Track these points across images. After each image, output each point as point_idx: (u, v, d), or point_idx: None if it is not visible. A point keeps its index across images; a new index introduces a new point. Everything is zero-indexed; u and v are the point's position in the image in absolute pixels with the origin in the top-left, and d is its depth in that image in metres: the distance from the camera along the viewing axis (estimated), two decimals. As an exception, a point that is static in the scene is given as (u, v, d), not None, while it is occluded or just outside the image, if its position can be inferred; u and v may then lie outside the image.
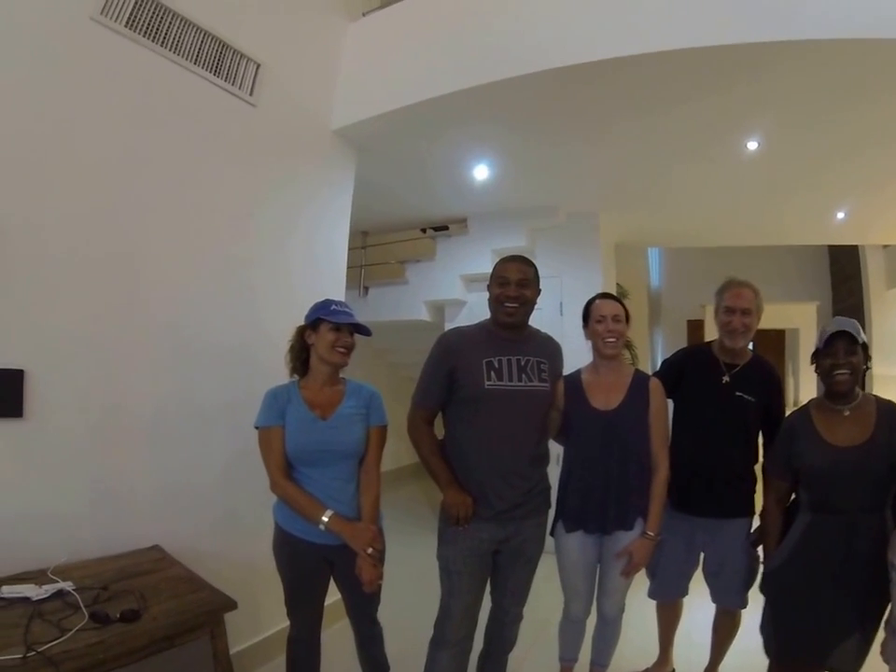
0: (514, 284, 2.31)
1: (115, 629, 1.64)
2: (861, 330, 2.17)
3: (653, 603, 2.92)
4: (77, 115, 2.28)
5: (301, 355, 2.34)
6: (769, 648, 2.35)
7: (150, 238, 2.55)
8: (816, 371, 2.26)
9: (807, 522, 2.21)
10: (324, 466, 2.21)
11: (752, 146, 3.73)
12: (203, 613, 1.89)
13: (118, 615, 1.69)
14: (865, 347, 2.19)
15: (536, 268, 2.42)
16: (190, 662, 1.83)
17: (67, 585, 1.84)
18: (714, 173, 4.34)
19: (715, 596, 2.71)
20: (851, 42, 2.41)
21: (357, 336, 2.33)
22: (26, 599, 1.75)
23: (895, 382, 7.33)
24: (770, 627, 2.34)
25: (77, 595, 1.78)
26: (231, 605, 1.96)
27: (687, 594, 2.83)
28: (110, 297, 2.39)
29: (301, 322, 2.34)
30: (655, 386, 2.49)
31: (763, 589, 2.42)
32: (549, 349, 2.50)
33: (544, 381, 2.38)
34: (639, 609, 2.77)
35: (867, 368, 2.23)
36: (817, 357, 2.24)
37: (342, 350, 2.23)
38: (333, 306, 2.27)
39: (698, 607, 2.91)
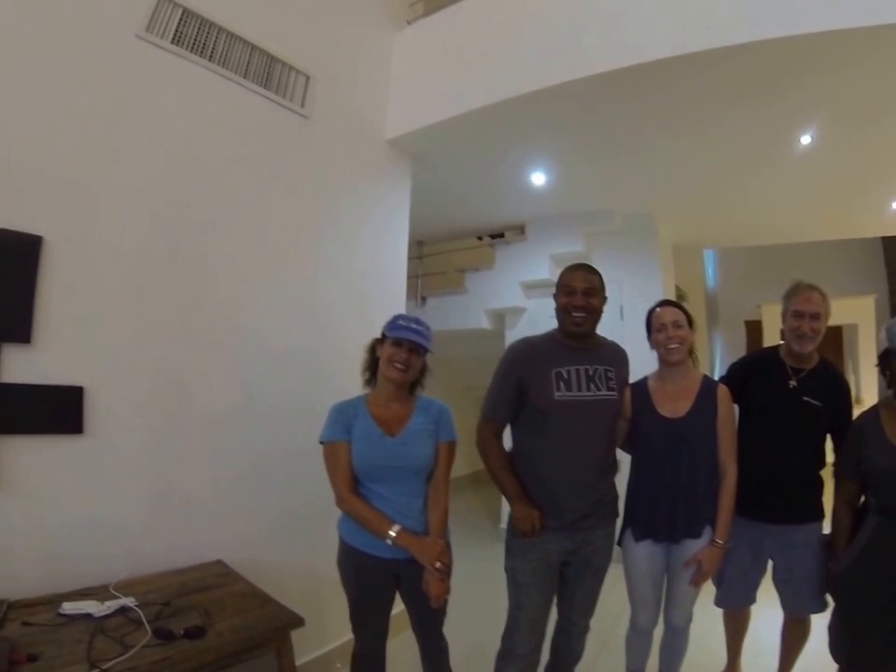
0: (581, 293, 2.28)
1: (180, 645, 1.64)
2: None
3: (720, 612, 2.83)
4: (128, 132, 2.32)
5: (371, 367, 2.33)
6: (837, 652, 2.29)
7: (210, 252, 2.58)
8: (884, 372, 2.20)
9: (875, 525, 2.16)
10: (391, 482, 2.18)
11: (804, 139, 3.64)
12: (269, 630, 1.89)
13: (181, 631, 1.69)
14: None
15: (601, 276, 2.38)
16: (257, 677, 1.82)
17: (130, 601, 1.85)
18: (771, 170, 4.24)
19: (785, 603, 2.62)
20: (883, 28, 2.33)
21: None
22: (88, 616, 1.76)
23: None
24: (838, 631, 2.28)
25: (139, 611, 1.78)
26: (298, 621, 1.95)
27: (755, 601, 2.74)
28: (173, 311, 2.43)
29: (360, 331, 2.37)
30: (723, 393, 2.43)
31: (831, 592, 2.38)
32: (616, 357, 2.47)
33: (612, 389, 2.35)
34: (707, 617, 2.70)
35: None
36: (887, 357, 2.17)
37: (398, 366, 2.19)
38: (400, 321, 2.24)
39: (768, 614, 2.82)
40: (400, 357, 2.19)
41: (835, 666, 2.34)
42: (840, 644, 2.26)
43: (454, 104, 3.23)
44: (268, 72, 2.79)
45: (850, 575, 2.23)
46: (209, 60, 2.56)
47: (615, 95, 3.05)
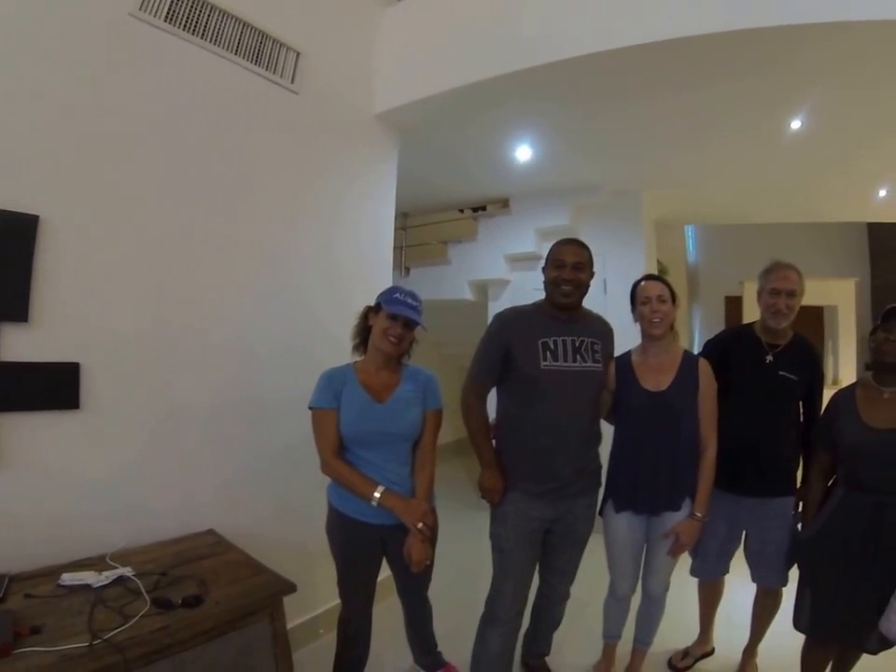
0: (570, 267, 2.34)
1: (178, 614, 1.68)
2: None
3: (694, 582, 2.94)
4: (120, 110, 2.30)
5: (362, 333, 2.38)
6: (800, 621, 2.39)
7: (200, 232, 2.57)
8: (870, 346, 2.27)
9: (840, 496, 2.26)
10: (379, 448, 2.24)
11: (794, 124, 3.66)
12: (264, 597, 1.93)
13: (180, 601, 1.73)
14: None
15: (590, 251, 2.43)
16: (250, 643, 1.87)
17: (127, 571, 1.88)
18: (755, 151, 4.26)
19: (755, 575, 2.71)
20: (887, 23, 2.36)
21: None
22: (87, 587, 1.79)
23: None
24: (802, 600, 2.38)
25: (137, 581, 1.82)
26: (291, 588, 2.00)
27: (728, 572, 2.84)
28: (161, 289, 2.43)
29: (347, 305, 2.40)
30: (704, 367, 2.48)
31: (797, 557, 2.47)
32: (602, 330, 2.53)
33: (598, 361, 2.41)
34: (681, 587, 2.78)
35: None
36: (874, 332, 2.25)
37: (392, 339, 2.24)
38: (396, 294, 2.28)
39: (739, 587, 2.92)
40: (395, 331, 2.23)
41: (803, 638, 2.44)
42: (803, 612, 2.36)
43: (442, 79, 3.21)
44: (259, 49, 2.77)
45: (816, 542, 2.33)
46: (201, 37, 2.53)
47: (604, 75, 3.05)
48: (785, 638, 2.57)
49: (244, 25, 2.70)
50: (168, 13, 2.42)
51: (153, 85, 2.41)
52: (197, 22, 2.52)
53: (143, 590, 1.77)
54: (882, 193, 5.28)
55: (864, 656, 2.35)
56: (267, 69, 2.82)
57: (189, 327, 2.53)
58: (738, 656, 2.90)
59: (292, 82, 2.94)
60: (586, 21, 2.83)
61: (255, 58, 2.76)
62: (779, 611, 2.71)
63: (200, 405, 2.55)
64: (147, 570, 1.93)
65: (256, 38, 2.76)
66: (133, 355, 2.32)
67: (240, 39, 2.69)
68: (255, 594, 1.91)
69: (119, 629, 1.55)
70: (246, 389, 2.72)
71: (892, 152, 4.17)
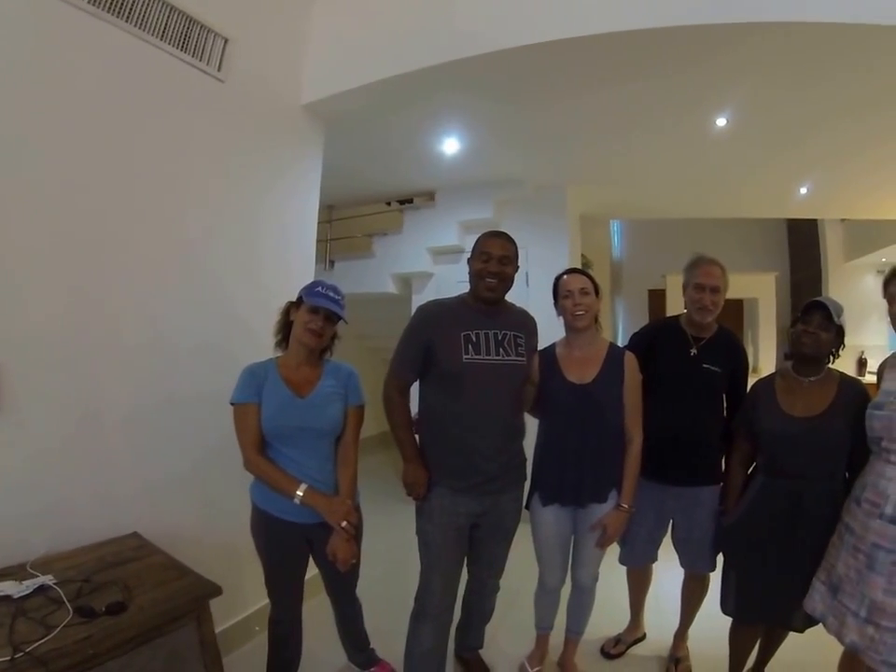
0: (496, 260, 2.34)
1: (102, 623, 1.63)
2: (841, 314, 2.26)
3: (623, 570, 3.01)
4: (37, 95, 2.17)
5: (284, 329, 2.36)
6: (726, 605, 2.49)
7: (117, 223, 2.45)
8: (790, 338, 2.37)
9: (761, 483, 2.36)
10: (301, 444, 2.22)
11: (719, 121, 3.78)
12: (188, 601, 1.88)
13: (103, 608, 1.67)
14: (842, 332, 2.29)
15: (516, 245, 2.44)
16: (178, 648, 1.83)
17: (48, 580, 1.81)
18: (681, 147, 4.38)
19: (683, 561, 2.80)
20: (810, 25, 2.46)
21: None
22: (7, 598, 1.71)
23: (850, 352, 7.64)
24: (727, 584, 2.48)
25: (59, 590, 1.75)
26: (217, 590, 1.95)
27: (656, 559, 2.92)
28: (79, 287, 2.31)
29: (268, 300, 2.38)
30: (630, 360, 2.51)
31: (721, 544, 2.56)
32: (525, 323, 2.54)
33: (521, 355, 2.42)
34: (610, 576, 2.85)
35: (837, 353, 2.34)
36: (793, 324, 2.35)
37: (313, 332, 2.23)
38: (318, 288, 2.26)
39: (667, 573, 3.02)
40: (316, 324, 2.22)
41: (730, 620, 2.54)
42: (728, 596, 2.46)
43: (371, 69, 3.17)
44: (186, 34, 2.66)
45: (738, 529, 2.42)
46: (126, 21, 2.41)
47: (531, 69, 3.07)
48: (714, 621, 2.65)
49: (171, 9, 2.58)
50: (93, -6, 2.29)
51: (72, 70, 2.28)
52: (122, 5, 2.39)
53: (65, 599, 1.71)
54: (803, 191, 5.52)
55: (791, 634, 2.47)
56: (193, 56, 2.71)
57: (107, 324, 2.41)
58: (669, 640, 2.99)
59: (219, 70, 2.84)
60: (516, 13, 2.83)
61: (181, 44, 2.65)
62: (708, 595, 2.80)
63: (120, 404, 2.45)
64: (70, 577, 1.86)
65: (183, 23, 2.65)
66: (50, 354, 2.21)
67: (166, 24, 2.57)
68: (179, 597, 1.86)
69: (41, 641, 1.49)
70: (167, 387, 2.63)
71: (813, 151, 4.36)
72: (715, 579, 2.63)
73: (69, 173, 2.28)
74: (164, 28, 2.58)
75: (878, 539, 1.86)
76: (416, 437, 2.46)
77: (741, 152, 4.43)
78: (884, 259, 8.15)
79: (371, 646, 2.67)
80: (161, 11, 2.55)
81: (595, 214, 6.59)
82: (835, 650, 2.20)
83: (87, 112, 2.33)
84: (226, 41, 2.86)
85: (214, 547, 2.67)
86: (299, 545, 2.31)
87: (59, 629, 1.56)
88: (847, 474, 2.21)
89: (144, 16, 2.49)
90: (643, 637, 3.16)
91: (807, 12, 2.41)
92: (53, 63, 2.21)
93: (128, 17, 2.43)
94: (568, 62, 2.98)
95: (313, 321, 2.22)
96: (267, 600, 2.44)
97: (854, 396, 2.21)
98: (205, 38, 2.76)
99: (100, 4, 2.32)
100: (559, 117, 3.80)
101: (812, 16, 2.41)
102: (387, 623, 2.69)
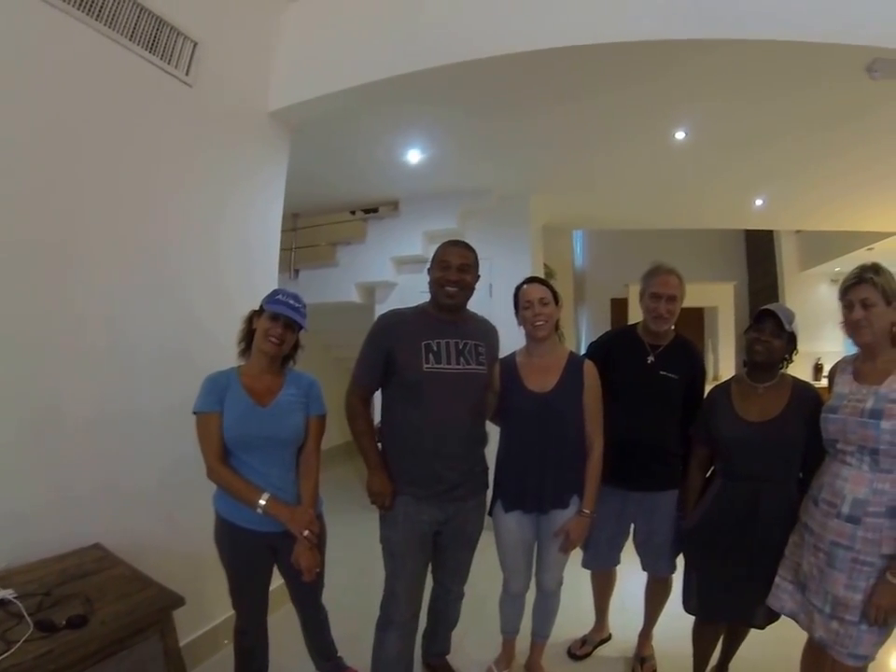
0: (456, 268, 2.37)
1: (63, 637, 1.60)
2: (793, 322, 2.34)
3: (588, 572, 3.05)
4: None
5: (247, 338, 2.35)
6: (689, 605, 2.55)
7: (78, 224, 2.40)
8: (745, 345, 2.44)
9: (719, 486, 2.43)
10: (263, 453, 2.22)
11: (678, 134, 3.88)
12: (151, 612, 1.86)
13: (64, 622, 1.64)
14: (794, 339, 2.36)
15: (476, 253, 2.47)
16: (142, 661, 1.80)
17: (8, 594, 1.76)
18: (642, 160, 4.47)
19: (645, 564, 2.86)
20: (762, 42, 2.55)
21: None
22: (-34, 613, 1.67)
23: (806, 358, 7.92)
24: (689, 584, 2.54)
25: (19, 604, 1.72)
26: (180, 601, 1.93)
27: (619, 563, 2.97)
28: (40, 289, 2.26)
29: (231, 308, 2.37)
30: (589, 368, 2.54)
31: (682, 546, 2.63)
32: (486, 332, 2.57)
33: (482, 364, 2.44)
34: (575, 579, 2.89)
35: (790, 359, 2.41)
36: (747, 332, 2.41)
37: (273, 340, 2.23)
38: (279, 296, 2.27)
39: (630, 575, 3.06)
40: (276, 331, 2.23)
41: (693, 619, 2.61)
42: (690, 596, 2.52)
43: (338, 78, 3.18)
44: (155, 35, 2.62)
45: (697, 531, 2.48)
46: (96, 19, 2.36)
47: (496, 80, 3.12)
48: (677, 620, 2.73)
49: (141, 9, 2.54)
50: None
51: (38, 66, 2.22)
52: (93, 3, 2.35)
53: (25, 613, 1.67)
54: (759, 203, 5.69)
55: (754, 631, 2.54)
56: (162, 58, 2.67)
57: (68, 326, 2.36)
58: (635, 640, 3.05)
59: (187, 74, 2.81)
60: (481, 26, 2.87)
61: (150, 45, 2.61)
62: (671, 595, 2.86)
63: (79, 412, 2.39)
64: (30, 591, 1.82)
65: (153, 24, 2.61)
66: (6, 357, 2.14)
67: (136, 24, 2.54)
68: (142, 609, 1.84)
69: (0, 657, 1.46)
70: (127, 394, 2.58)
71: (766, 164, 4.50)
72: (677, 579, 2.68)
73: (31, 172, 2.23)
74: (134, 28, 2.54)
75: (836, 537, 1.94)
76: (379, 445, 2.47)
77: (699, 165, 4.55)
78: (837, 269, 8.42)
79: (339, 654, 2.66)
80: (131, 11, 2.51)
81: (558, 224, 6.67)
82: (797, 646, 2.28)
83: (49, 110, 2.28)
84: (195, 45, 2.83)
85: (177, 558, 2.63)
86: (263, 554, 2.30)
87: (19, 644, 1.53)
88: (801, 475, 2.29)
89: (114, 15, 2.45)
90: (609, 638, 3.21)
91: (759, 30, 2.50)
92: (17, 58, 2.16)
93: (98, 15, 2.38)
94: (533, 74, 3.04)
95: (272, 329, 2.23)
96: (232, 611, 2.43)
97: (807, 400, 2.29)
98: (175, 41, 2.73)
99: (70, 0, 2.28)
100: (524, 128, 3.85)
101: (763, 34, 2.51)
102: (354, 631, 2.68)
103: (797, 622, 2.15)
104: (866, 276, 1.96)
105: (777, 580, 2.23)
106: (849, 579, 1.90)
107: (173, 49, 2.73)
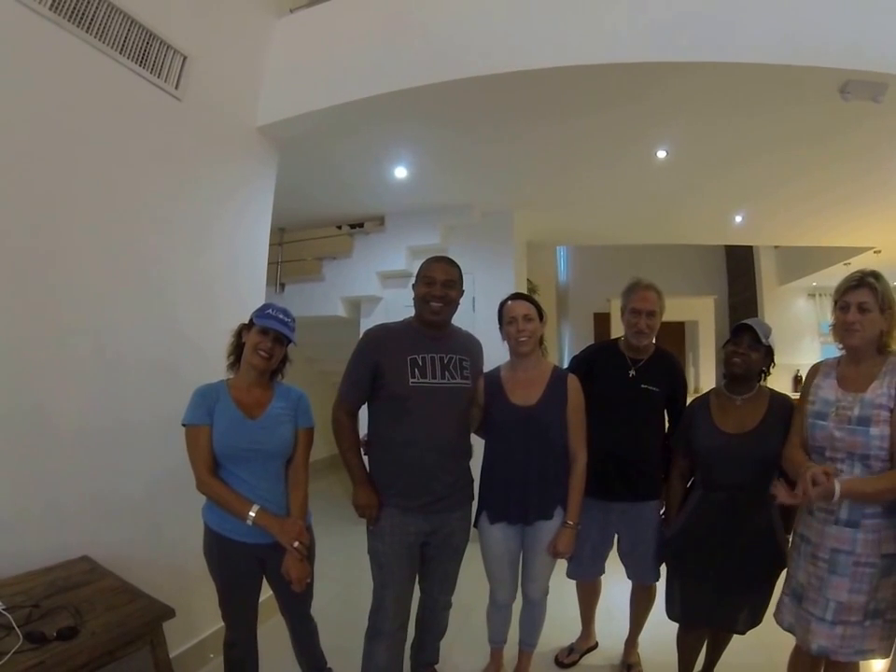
0: (440, 284, 2.40)
1: (53, 649, 1.59)
2: (770, 335, 2.40)
3: (573, 582, 3.08)
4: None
5: (236, 351, 2.36)
6: (672, 611, 2.59)
7: (66, 237, 2.40)
8: (723, 359, 2.50)
9: (699, 496, 2.47)
10: (252, 465, 2.22)
11: (660, 153, 3.97)
12: (141, 624, 1.86)
13: (54, 633, 1.64)
14: (771, 352, 2.43)
15: (460, 269, 2.50)
16: (132, 673, 1.80)
17: None
18: (622, 177, 4.55)
19: (630, 573, 2.90)
20: (739, 65, 2.66)
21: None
22: (-44, 626, 1.65)
23: (785, 370, 8.02)
24: (671, 592, 2.58)
25: (8, 616, 1.70)
26: (170, 613, 1.93)
27: (604, 572, 3.00)
28: (28, 300, 2.25)
29: (218, 321, 2.38)
30: (573, 382, 2.58)
31: (663, 555, 2.67)
32: (470, 347, 2.60)
33: (466, 378, 2.48)
34: (561, 588, 2.91)
35: (767, 371, 2.48)
36: (725, 345, 2.47)
37: (262, 354, 2.25)
38: (268, 310, 2.28)
39: (616, 584, 3.08)
40: (266, 345, 2.25)
41: (677, 626, 2.64)
42: (674, 603, 2.56)
43: (326, 95, 3.22)
44: (145, 49, 2.64)
45: (679, 539, 2.52)
46: (87, 31, 2.38)
47: (483, 99, 3.17)
48: (662, 627, 2.76)
49: (131, 22, 2.56)
50: (54, 1, 2.26)
51: (27, 77, 2.23)
52: (84, 14, 2.36)
53: (14, 624, 1.66)
54: (738, 219, 5.79)
55: (738, 637, 2.58)
56: (152, 72, 2.69)
57: (56, 338, 2.35)
58: (621, 648, 3.09)
59: (176, 88, 2.83)
60: (466, 46, 2.94)
61: (140, 59, 2.63)
62: (656, 602, 2.89)
63: (66, 423, 2.38)
64: (19, 603, 1.80)
65: (143, 38, 2.63)
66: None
67: (126, 37, 2.55)
68: (132, 621, 1.84)
69: (-10, 668, 1.45)
70: (114, 406, 2.57)
71: (745, 181, 4.59)
72: (661, 586, 2.72)
73: (18, 183, 2.22)
74: (124, 41, 2.56)
75: (836, 543, 1.98)
76: (365, 459, 2.49)
77: (680, 183, 4.64)
78: (815, 284, 8.59)
79: (329, 665, 2.66)
80: (121, 24, 2.53)
81: (541, 240, 6.76)
82: (780, 650, 2.33)
83: (37, 122, 2.28)
84: (185, 59, 2.85)
85: (167, 570, 2.62)
86: (252, 566, 2.30)
87: (9, 656, 1.52)
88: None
89: (104, 27, 2.46)
90: (595, 646, 3.23)
91: (738, 54, 2.60)
92: (4, 68, 2.16)
93: (88, 27, 2.40)
94: (517, 93, 3.10)
95: (262, 343, 2.24)
96: (220, 624, 2.42)
97: (784, 411, 2.35)
98: (165, 54, 2.75)
99: (60, 11, 2.29)
100: (507, 146, 3.91)
101: (742, 57, 2.61)
102: (344, 642, 2.67)
103: (794, 635, 2.18)
104: (867, 280, 2.01)
105: (781, 595, 2.27)
106: (853, 582, 1.94)
107: (163, 62, 2.75)
